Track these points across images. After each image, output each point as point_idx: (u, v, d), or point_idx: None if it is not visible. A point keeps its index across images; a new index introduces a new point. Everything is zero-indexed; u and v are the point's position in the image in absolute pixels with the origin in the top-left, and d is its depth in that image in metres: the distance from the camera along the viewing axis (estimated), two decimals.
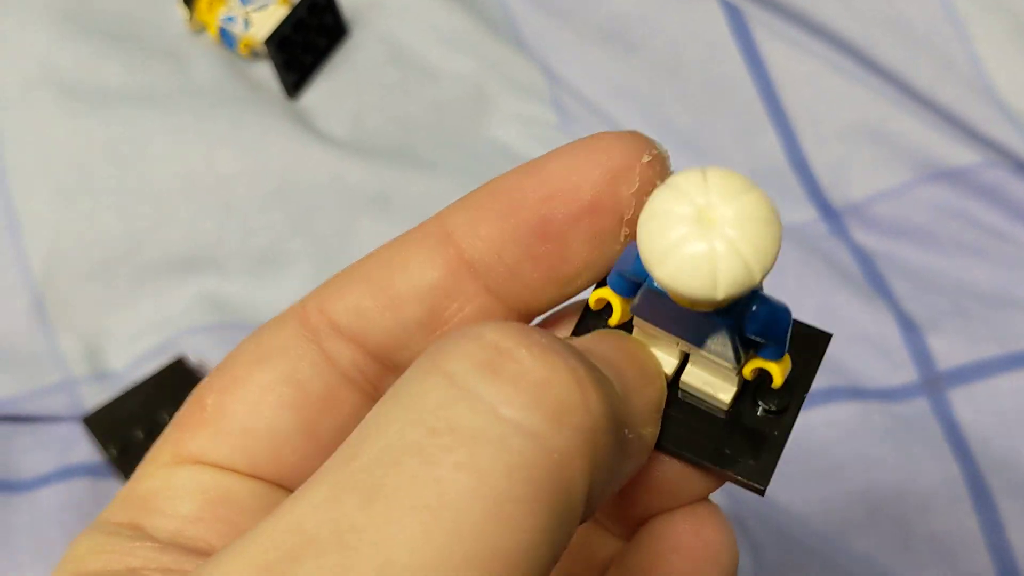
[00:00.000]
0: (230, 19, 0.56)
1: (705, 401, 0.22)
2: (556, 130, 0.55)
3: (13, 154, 0.55)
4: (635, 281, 0.21)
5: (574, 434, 0.18)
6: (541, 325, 0.24)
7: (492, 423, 0.17)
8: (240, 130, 0.54)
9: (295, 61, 0.56)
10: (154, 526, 0.22)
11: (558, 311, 0.24)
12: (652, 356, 0.22)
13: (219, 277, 0.53)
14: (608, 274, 0.22)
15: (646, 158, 0.21)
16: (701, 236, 0.18)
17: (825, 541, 0.46)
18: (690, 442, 0.22)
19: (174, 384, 0.50)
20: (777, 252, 0.18)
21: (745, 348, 0.21)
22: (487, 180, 0.23)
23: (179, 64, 0.57)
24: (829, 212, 0.53)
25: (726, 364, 0.21)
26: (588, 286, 0.23)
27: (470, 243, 0.22)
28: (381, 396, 0.19)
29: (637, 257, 0.20)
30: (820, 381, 0.49)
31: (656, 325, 0.21)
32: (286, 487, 0.23)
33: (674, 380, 0.22)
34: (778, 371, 0.21)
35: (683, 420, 0.22)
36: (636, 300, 0.21)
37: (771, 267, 0.18)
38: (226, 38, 0.57)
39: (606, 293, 0.22)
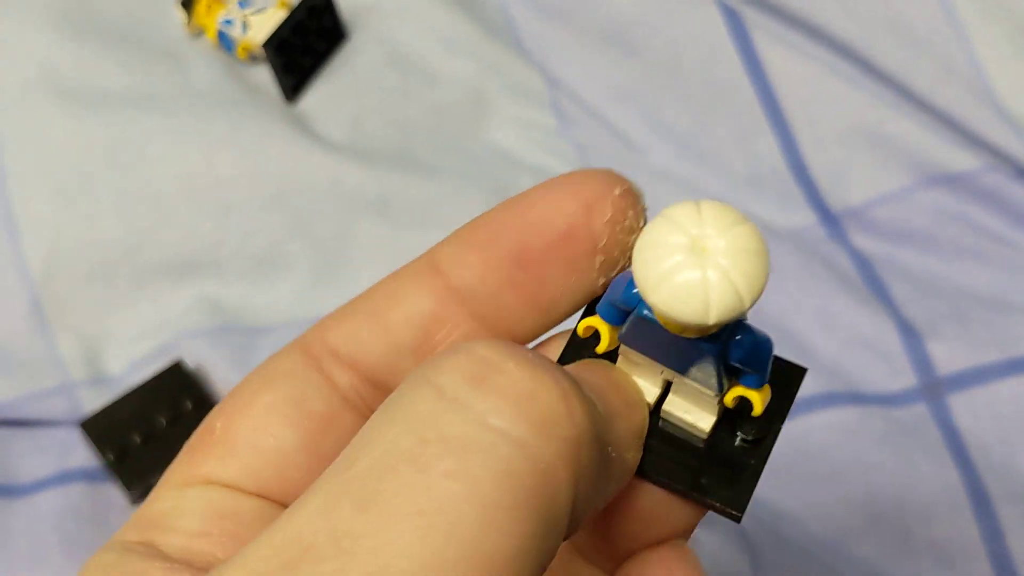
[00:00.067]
0: (228, 22, 0.56)
1: (685, 430, 0.23)
2: (555, 133, 0.55)
3: (12, 155, 0.54)
4: (624, 310, 0.22)
5: (559, 444, 0.18)
6: None
7: (481, 432, 0.18)
8: (239, 133, 0.54)
9: (294, 64, 0.56)
10: (165, 543, 0.22)
11: (545, 340, 0.24)
12: (635, 385, 0.23)
13: (218, 280, 0.53)
14: (588, 302, 0.23)
15: (618, 191, 0.22)
16: (695, 264, 0.19)
17: (824, 546, 0.46)
18: (669, 470, 0.23)
19: (171, 388, 0.50)
20: (766, 282, 0.19)
21: (728, 376, 0.22)
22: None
23: (178, 67, 0.56)
24: (828, 216, 0.53)
25: (708, 392, 0.22)
26: (568, 315, 0.24)
27: (456, 273, 0.23)
28: None
29: (628, 286, 0.21)
30: (819, 386, 0.49)
31: (643, 353, 0.22)
32: (290, 504, 0.23)
33: (655, 409, 0.23)
34: (759, 399, 0.22)
35: (663, 448, 0.23)
36: (625, 328, 0.22)
37: (759, 296, 0.19)
38: (224, 41, 0.57)
39: (595, 321, 0.23)
